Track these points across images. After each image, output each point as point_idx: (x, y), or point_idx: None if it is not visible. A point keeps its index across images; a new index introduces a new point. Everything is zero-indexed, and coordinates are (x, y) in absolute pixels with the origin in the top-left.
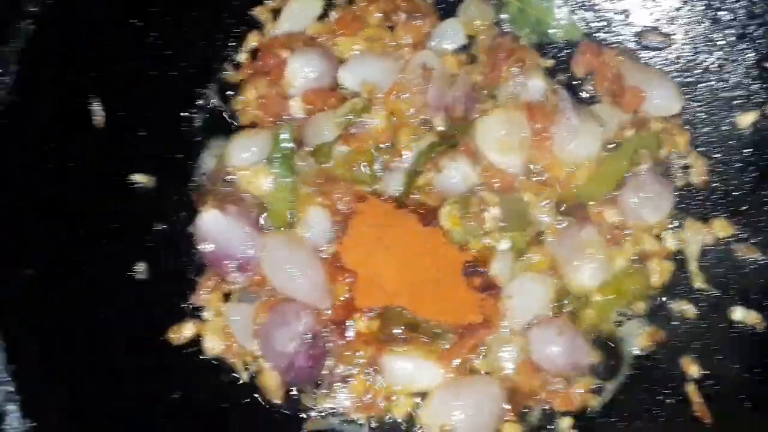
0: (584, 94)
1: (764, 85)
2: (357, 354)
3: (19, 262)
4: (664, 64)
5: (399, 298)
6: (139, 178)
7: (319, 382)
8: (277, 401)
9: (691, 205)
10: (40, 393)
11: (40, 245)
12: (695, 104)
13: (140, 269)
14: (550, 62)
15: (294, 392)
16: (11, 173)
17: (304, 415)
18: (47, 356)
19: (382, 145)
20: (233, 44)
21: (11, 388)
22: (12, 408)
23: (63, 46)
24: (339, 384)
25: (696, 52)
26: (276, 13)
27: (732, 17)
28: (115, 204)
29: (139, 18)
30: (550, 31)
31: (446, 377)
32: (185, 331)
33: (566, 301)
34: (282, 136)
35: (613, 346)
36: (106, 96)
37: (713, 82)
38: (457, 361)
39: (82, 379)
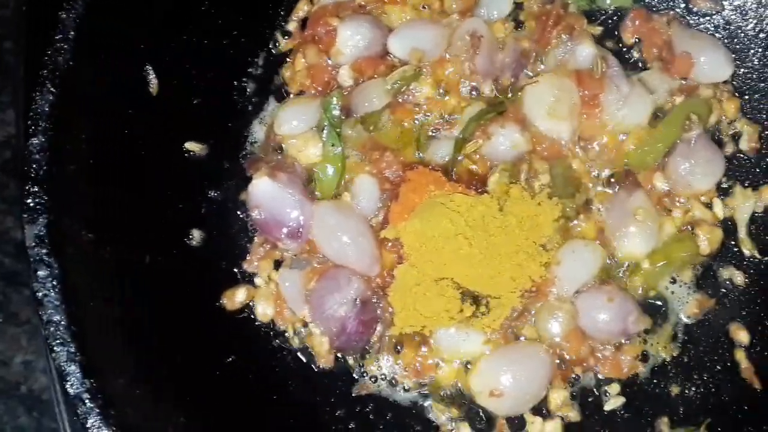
0: (633, 61)
1: None
2: None
3: (78, 225)
4: (713, 30)
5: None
6: (193, 146)
7: (368, 348)
8: (327, 366)
9: (741, 172)
10: (101, 354)
11: (98, 210)
12: (745, 71)
13: (194, 236)
14: (598, 29)
15: (343, 357)
16: (68, 139)
17: (353, 380)
18: (106, 318)
19: (430, 113)
20: (283, 13)
21: (72, 349)
22: (73, 368)
23: (120, 14)
24: (388, 350)
25: (746, 18)
26: None
27: None
28: (169, 171)
29: None
30: None
31: (495, 344)
32: (238, 297)
33: (615, 269)
34: (331, 105)
35: (662, 313)
36: (160, 64)
37: (763, 49)
38: (505, 329)
39: (141, 342)
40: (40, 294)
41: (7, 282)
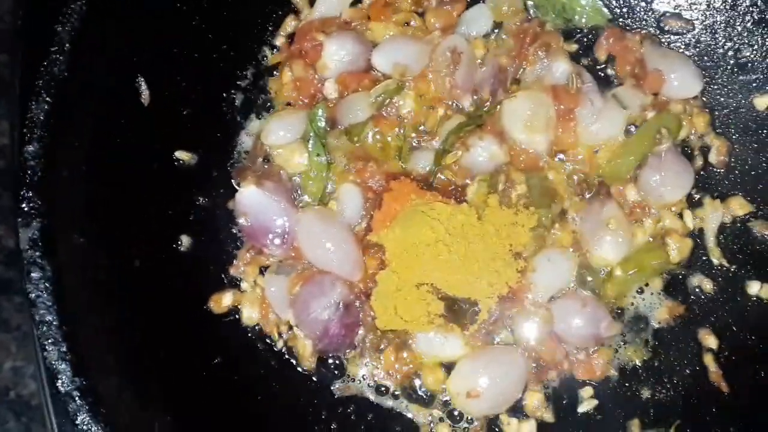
0: (607, 78)
1: None
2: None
3: (70, 229)
4: (684, 48)
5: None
6: (183, 155)
7: (350, 351)
8: (310, 368)
9: (710, 184)
10: (91, 354)
11: (90, 215)
12: (714, 87)
13: (183, 241)
14: (574, 46)
15: (326, 359)
16: (62, 146)
17: (335, 381)
18: (97, 320)
19: (411, 126)
20: (271, 28)
21: (64, 348)
22: (64, 367)
23: (113, 27)
24: (369, 353)
25: (715, 37)
26: None
27: (750, 3)
28: (160, 179)
29: (185, 3)
30: (574, 16)
31: (472, 348)
32: (225, 301)
33: (588, 276)
34: (316, 116)
35: (633, 318)
36: (152, 76)
37: (731, 66)
38: (483, 333)
39: (130, 343)
40: (33, 295)
41: None
